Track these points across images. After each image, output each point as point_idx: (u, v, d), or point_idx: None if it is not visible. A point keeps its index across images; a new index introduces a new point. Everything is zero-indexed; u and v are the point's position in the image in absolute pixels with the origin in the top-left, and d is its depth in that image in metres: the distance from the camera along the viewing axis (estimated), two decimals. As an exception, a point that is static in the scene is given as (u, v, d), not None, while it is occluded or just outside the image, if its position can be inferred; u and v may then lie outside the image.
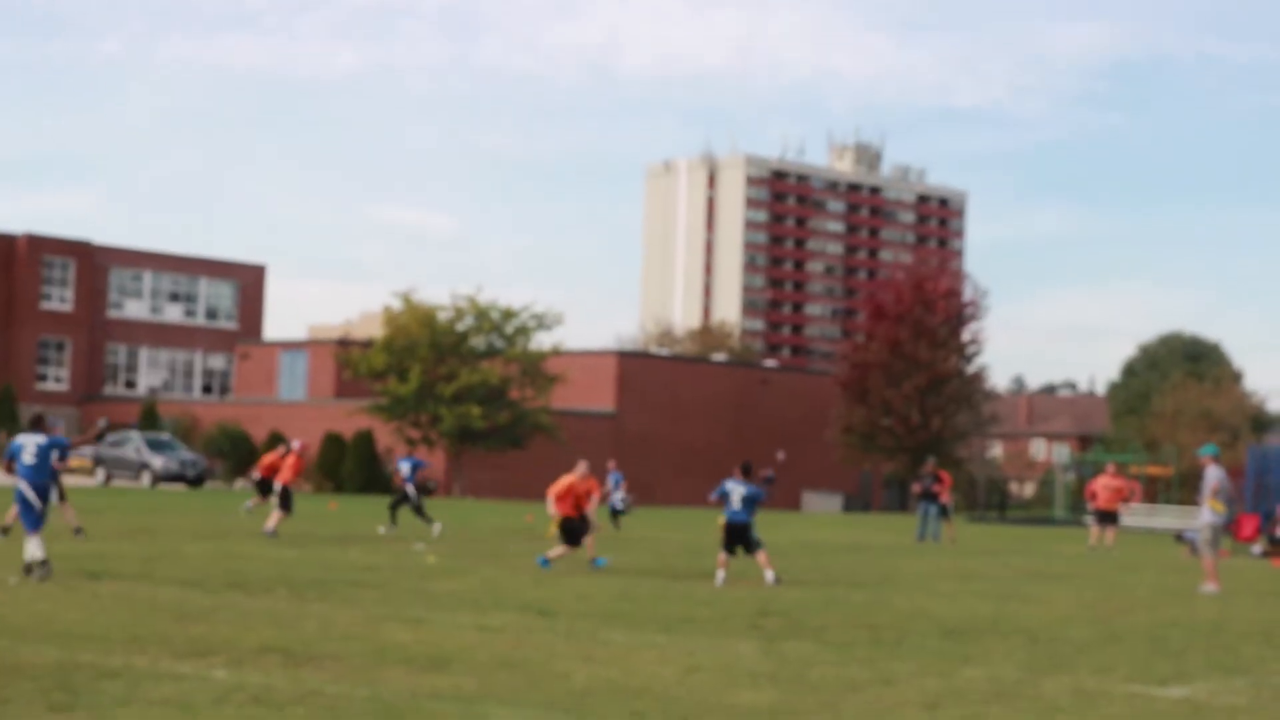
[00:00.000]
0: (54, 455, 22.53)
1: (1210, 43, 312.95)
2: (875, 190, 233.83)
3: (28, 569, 21.82)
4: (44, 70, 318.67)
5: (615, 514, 47.22)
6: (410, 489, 38.54)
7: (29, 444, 22.43)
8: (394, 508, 39.36)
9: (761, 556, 25.92)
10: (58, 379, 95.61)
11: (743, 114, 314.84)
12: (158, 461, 69.41)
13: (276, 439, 75.26)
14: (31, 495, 22.23)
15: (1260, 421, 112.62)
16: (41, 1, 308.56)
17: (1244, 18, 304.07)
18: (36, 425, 23.00)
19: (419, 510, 38.51)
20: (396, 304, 77.73)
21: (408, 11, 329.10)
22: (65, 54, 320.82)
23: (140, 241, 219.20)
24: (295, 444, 37.71)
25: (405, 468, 39.03)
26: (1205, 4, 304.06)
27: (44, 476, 22.45)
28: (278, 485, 35.70)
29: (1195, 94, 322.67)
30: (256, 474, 43.78)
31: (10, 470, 22.56)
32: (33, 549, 21.82)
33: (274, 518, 34.54)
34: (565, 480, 28.38)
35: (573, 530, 27.83)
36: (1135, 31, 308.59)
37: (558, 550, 27.65)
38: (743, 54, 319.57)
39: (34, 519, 22.19)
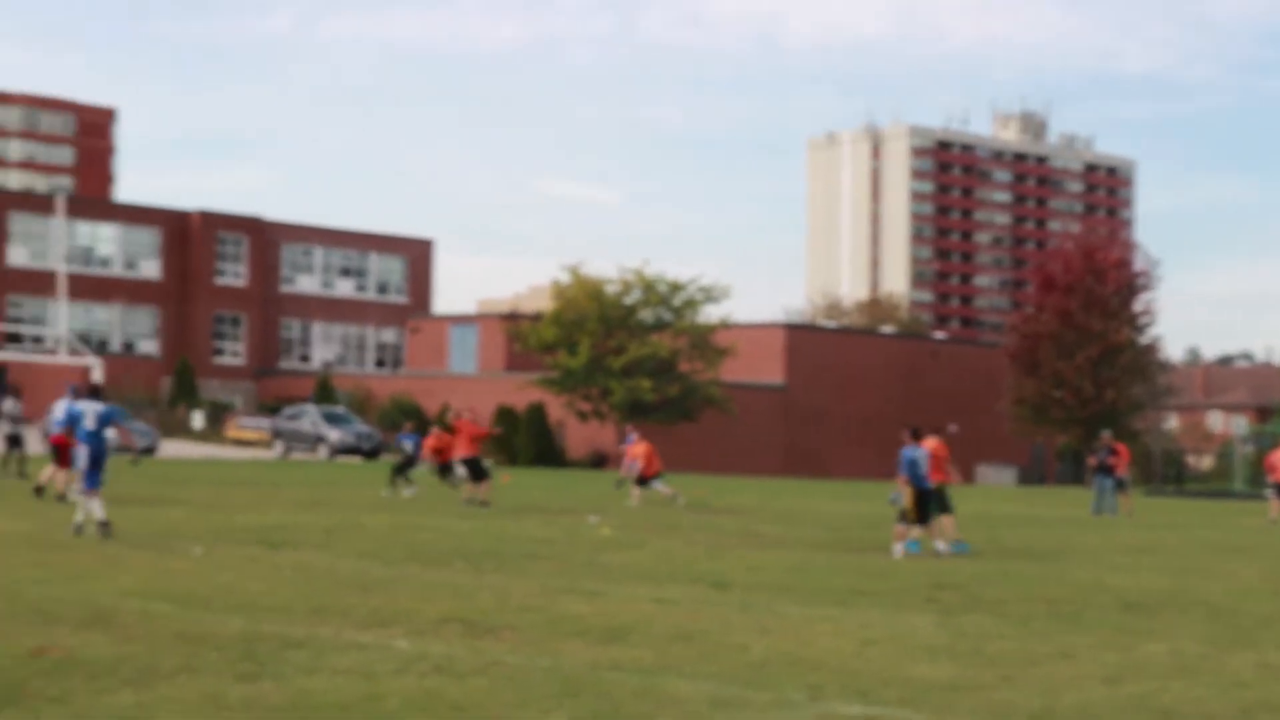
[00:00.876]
0: (111, 422, 23.66)
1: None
2: (1042, 159, 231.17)
3: (78, 529, 23.26)
4: (214, 48, 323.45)
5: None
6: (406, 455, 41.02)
7: (89, 411, 23.52)
8: (398, 471, 41.09)
9: (949, 521, 26.17)
10: (234, 354, 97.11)
11: (906, 84, 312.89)
12: (334, 434, 70.29)
13: (444, 413, 75.96)
14: (87, 458, 23.43)
15: None
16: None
17: None
18: (95, 393, 24.07)
19: (402, 469, 40.65)
20: (565, 277, 78.03)
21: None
22: (233, 31, 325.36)
23: (309, 216, 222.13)
24: (462, 412, 38.12)
25: (408, 445, 41.31)
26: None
27: (102, 442, 23.59)
28: (458, 460, 36.16)
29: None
30: (433, 461, 43.11)
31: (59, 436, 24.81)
32: (96, 510, 23.12)
33: (483, 489, 35.06)
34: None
35: (924, 508, 27.11)
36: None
37: (915, 531, 26.62)
38: (905, 23, 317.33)
39: (94, 480, 23.31)
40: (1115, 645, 15.30)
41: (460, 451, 35.93)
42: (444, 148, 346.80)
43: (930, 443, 27.25)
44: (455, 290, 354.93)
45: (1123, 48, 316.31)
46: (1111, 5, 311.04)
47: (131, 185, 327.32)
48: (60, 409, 30.69)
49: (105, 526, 22.97)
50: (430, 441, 41.84)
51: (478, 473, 35.41)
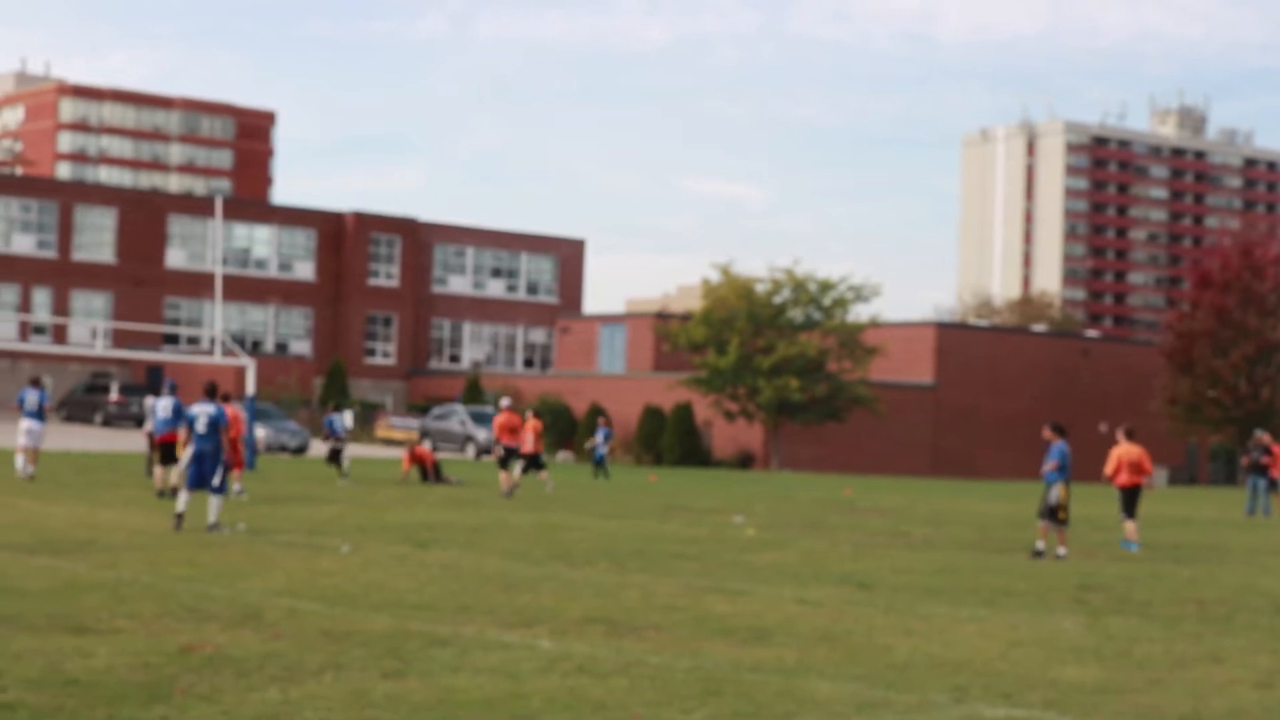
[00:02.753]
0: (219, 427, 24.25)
1: None
2: (1200, 155, 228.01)
3: (179, 519, 24.01)
4: (369, 49, 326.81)
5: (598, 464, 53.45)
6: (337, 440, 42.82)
7: (202, 414, 24.04)
8: (331, 460, 43.04)
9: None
10: (385, 354, 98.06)
11: (1060, 79, 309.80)
12: (481, 434, 70.73)
13: (597, 412, 76.18)
14: (192, 458, 24.10)
15: None
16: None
17: None
18: (211, 395, 24.44)
19: (335, 456, 42.50)
20: (714, 276, 78.05)
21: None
22: (388, 32, 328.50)
23: (462, 217, 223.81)
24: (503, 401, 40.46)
25: (338, 427, 43.15)
26: None
27: (214, 444, 23.96)
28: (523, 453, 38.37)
29: None
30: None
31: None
32: (210, 510, 23.92)
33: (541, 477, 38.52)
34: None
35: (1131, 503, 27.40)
36: None
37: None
38: (1060, 17, 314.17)
39: (197, 479, 23.98)
40: (1267, 649, 15.08)
41: (528, 446, 38.16)
42: (593, 147, 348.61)
43: (1125, 448, 27.35)
44: (604, 289, 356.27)
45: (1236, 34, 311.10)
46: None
47: (289, 187, 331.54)
48: (162, 406, 31.42)
49: (214, 528, 23.52)
50: (501, 420, 40.22)
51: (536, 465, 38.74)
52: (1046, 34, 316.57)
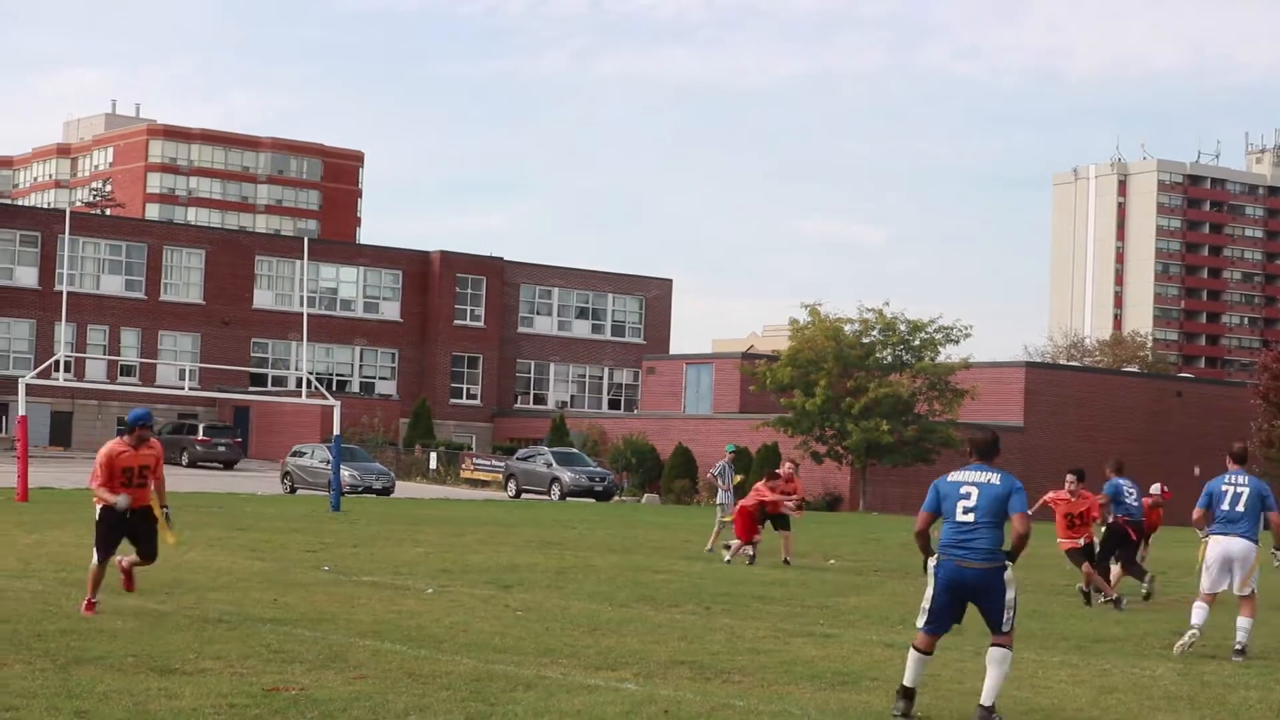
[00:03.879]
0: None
1: None
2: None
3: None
4: (477, 90, 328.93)
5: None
6: None
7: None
8: None
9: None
10: (471, 394, 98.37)
11: (1154, 118, 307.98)
12: (566, 475, 70.70)
13: (684, 452, 75.90)
14: None
15: None
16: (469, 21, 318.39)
17: None
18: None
19: None
20: (803, 316, 77.83)
21: (846, 17, 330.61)
22: (504, 72, 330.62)
23: (557, 256, 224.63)
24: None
25: None
26: None
27: None
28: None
29: None
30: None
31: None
32: None
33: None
34: None
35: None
36: None
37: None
38: (1152, 56, 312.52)
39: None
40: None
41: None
42: (703, 187, 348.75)
43: None
44: (709, 330, 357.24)
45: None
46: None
47: (378, 226, 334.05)
48: None
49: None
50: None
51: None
52: (1140, 72, 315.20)
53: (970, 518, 12.81)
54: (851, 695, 13.76)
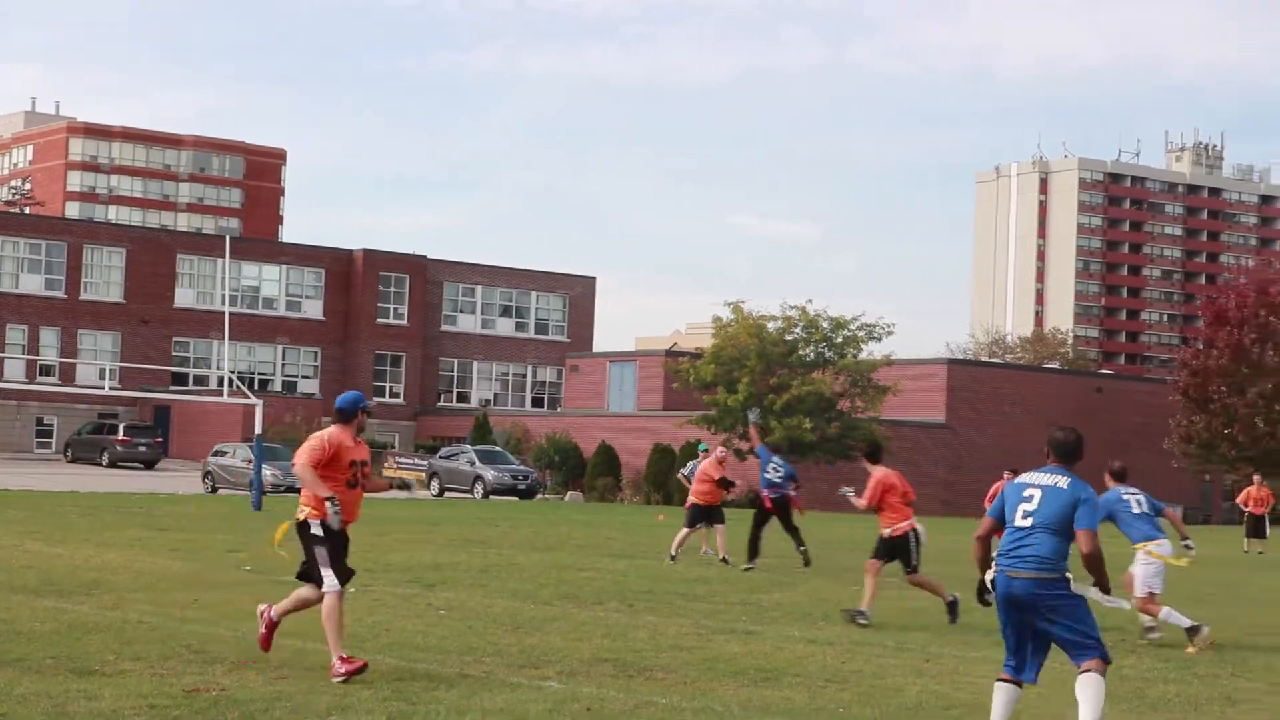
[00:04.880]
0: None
1: None
2: (1215, 192, 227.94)
3: None
4: (422, 88, 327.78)
5: None
6: None
7: None
8: None
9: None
10: (394, 393, 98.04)
11: (1077, 117, 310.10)
12: (489, 473, 70.54)
13: (607, 450, 75.87)
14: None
15: None
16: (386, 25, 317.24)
17: None
18: None
19: None
20: (726, 314, 77.92)
21: (778, 15, 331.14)
22: (423, 70, 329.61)
23: (481, 254, 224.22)
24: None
25: None
26: None
27: None
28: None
29: None
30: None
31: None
32: None
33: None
34: None
35: None
36: None
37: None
38: (1071, 55, 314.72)
39: None
40: (1281, 690, 14.96)
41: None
42: (630, 185, 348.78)
43: None
44: (634, 328, 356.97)
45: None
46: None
47: (301, 225, 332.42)
48: None
49: None
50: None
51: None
52: (1060, 71, 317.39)
53: (1028, 522, 11.47)
54: (774, 692, 13.79)
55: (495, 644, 16.34)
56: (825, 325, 76.96)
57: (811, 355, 77.16)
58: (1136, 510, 18.75)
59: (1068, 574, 11.26)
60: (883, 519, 20.93)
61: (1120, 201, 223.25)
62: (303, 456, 13.89)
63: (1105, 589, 11.41)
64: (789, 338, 76.84)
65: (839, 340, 76.95)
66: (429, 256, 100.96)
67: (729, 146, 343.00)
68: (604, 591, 23.02)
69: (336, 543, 13.97)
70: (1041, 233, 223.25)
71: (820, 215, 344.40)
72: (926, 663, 16.18)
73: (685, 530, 30.95)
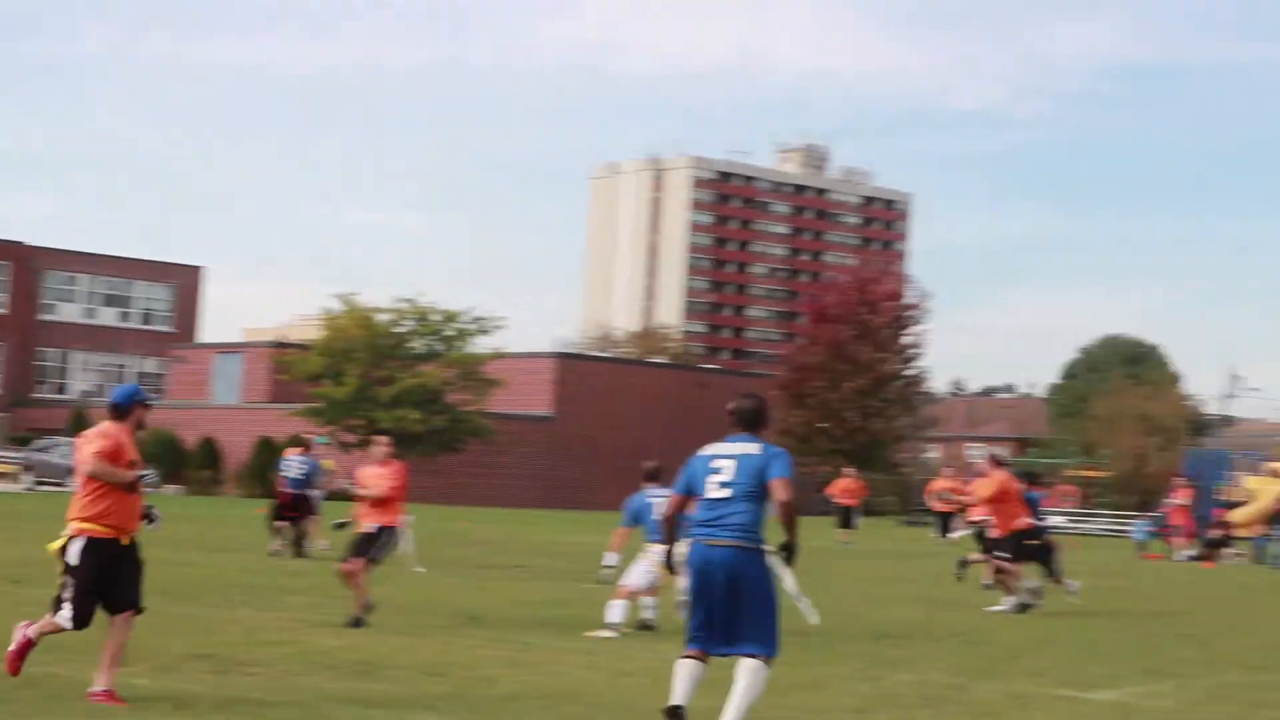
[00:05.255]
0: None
1: (1144, 51, 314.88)
2: (821, 192, 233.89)
3: None
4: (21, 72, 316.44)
5: None
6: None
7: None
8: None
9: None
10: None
11: (688, 116, 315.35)
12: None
13: (209, 443, 74.60)
14: None
15: (1198, 425, 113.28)
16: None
17: (1173, 23, 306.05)
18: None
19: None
20: (335, 306, 77.31)
21: (390, 7, 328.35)
22: (28, 53, 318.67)
23: (87, 243, 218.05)
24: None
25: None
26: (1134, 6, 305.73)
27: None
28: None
29: (1129, 101, 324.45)
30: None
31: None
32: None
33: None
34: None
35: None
36: (1072, 35, 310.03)
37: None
38: (688, 56, 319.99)
39: None
40: (866, 676, 15.40)
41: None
42: (240, 174, 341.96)
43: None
44: (228, 319, 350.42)
45: (908, 83, 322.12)
46: (897, 41, 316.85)
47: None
48: None
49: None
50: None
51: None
52: (676, 71, 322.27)
53: (727, 493, 11.14)
54: (370, 685, 13.70)
55: (84, 640, 15.86)
56: (436, 318, 76.98)
57: (421, 348, 77.11)
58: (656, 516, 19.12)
59: (765, 545, 11.07)
60: None
61: (730, 200, 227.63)
62: (93, 448, 12.44)
63: (793, 550, 11.19)
64: (398, 330, 76.66)
65: (450, 333, 77.06)
66: (29, 244, 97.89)
67: (341, 138, 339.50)
68: (200, 586, 22.62)
69: (89, 574, 12.47)
70: (654, 229, 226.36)
71: (433, 208, 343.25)
72: (522, 653, 16.26)
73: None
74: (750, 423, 11.51)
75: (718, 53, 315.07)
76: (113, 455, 12.48)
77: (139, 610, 12.80)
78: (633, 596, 18.95)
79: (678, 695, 11.22)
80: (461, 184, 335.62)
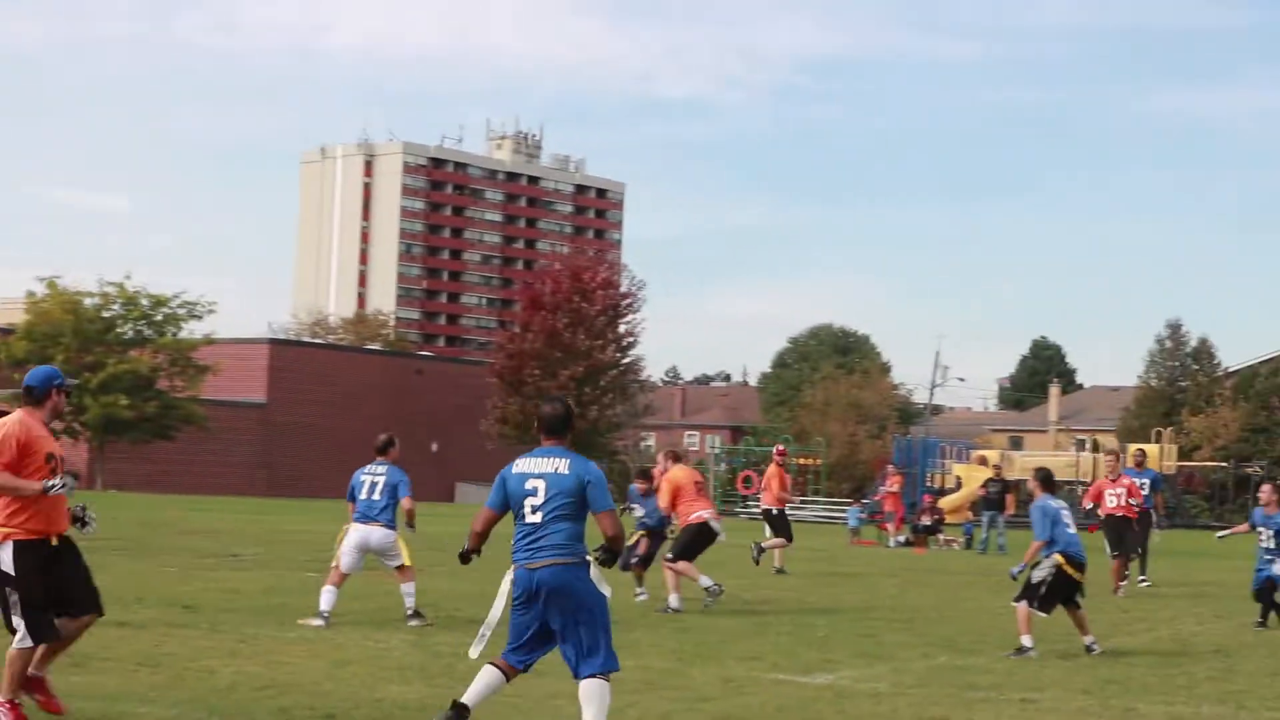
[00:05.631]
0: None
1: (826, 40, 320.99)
2: (534, 180, 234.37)
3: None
4: None
5: None
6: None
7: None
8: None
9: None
10: None
11: (400, 101, 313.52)
12: None
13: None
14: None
15: (907, 413, 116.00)
16: None
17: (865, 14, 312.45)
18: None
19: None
20: (40, 289, 75.51)
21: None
22: None
23: None
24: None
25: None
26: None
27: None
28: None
29: (828, 94, 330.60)
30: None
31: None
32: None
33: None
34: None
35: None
36: (779, 27, 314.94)
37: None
38: (399, 40, 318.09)
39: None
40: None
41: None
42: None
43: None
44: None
45: (619, 71, 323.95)
46: (611, 30, 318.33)
47: None
48: None
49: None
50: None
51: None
52: (389, 55, 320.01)
53: (538, 517, 10.80)
54: (82, 677, 13.43)
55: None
56: (145, 303, 75.66)
57: (130, 333, 75.71)
58: (364, 495, 19.03)
59: (587, 556, 10.78)
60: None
61: (443, 186, 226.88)
62: None
63: (622, 563, 10.93)
64: (106, 315, 75.18)
65: (159, 318, 75.81)
66: None
67: (42, 114, 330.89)
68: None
69: (29, 581, 11.04)
70: (366, 215, 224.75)
71: (138, 190, 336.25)
72: (241, 644, 16.08)
73: None
74: (557, 429, 11.12)
75: (429, 38, 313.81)
76: (20, 455, 10.98)
77: (101, 613, 11.83)
78: (343, 580, 18.81)
79: (469, 696, 10.94)
80: (169, 165, 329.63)
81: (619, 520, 10.90)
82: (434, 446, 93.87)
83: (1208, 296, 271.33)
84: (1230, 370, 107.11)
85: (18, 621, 10.96)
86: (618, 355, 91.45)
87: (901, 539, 47.16)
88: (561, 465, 10.78)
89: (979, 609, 23.14)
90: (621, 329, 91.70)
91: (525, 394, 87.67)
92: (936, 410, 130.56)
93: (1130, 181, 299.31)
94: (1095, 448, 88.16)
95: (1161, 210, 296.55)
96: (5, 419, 11.09)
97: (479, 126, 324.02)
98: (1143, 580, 28.59)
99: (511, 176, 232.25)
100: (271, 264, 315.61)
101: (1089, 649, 17.46)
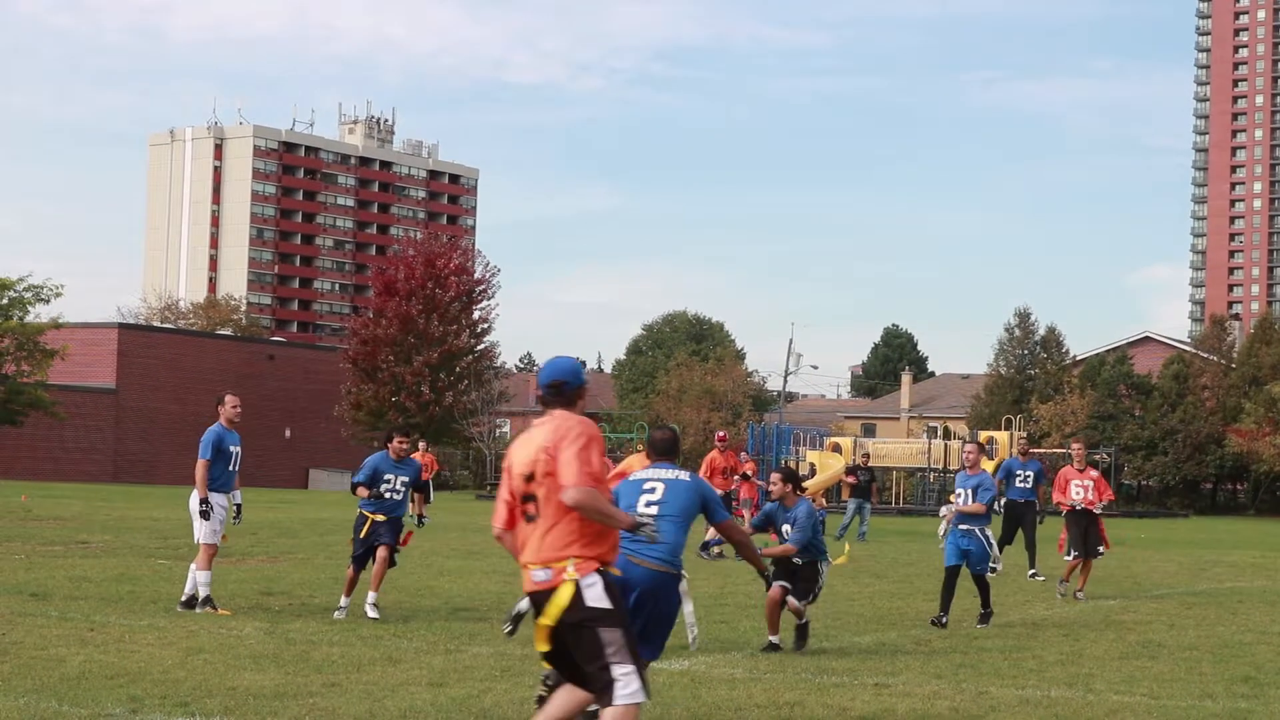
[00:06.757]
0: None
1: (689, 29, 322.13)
2: (386, 165, 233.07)
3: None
4: None
5: None
6: None
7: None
8: None
9: None
10: None
11: (254, 83, 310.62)
12: None
13: None
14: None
15: (760, 401, 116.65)
16: None
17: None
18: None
19: None
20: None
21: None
22: None
23: None
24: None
25: None
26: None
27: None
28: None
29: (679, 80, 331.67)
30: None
31: None
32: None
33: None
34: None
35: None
36: (631, 15, 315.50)
37: None
38: (248, 22, 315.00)
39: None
40: (441, 649, 15.46)
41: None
42: None
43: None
44: None
45: (472, 57, 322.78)
46: (465, 15, 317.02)
47: None
48: None
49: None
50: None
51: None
52: (239, 37, 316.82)
53: (654, 510, 11.51)
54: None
55: None
56: (-11, 286, 74.54)
57: (-25, 318, 74.55)
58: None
59: (684, 573, 11.26)
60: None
61: (295, 171, 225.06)
62: None
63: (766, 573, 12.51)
64: (-49, 299, 73.99)
65: (4, 301, 74.69)
66: None
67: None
68: None
69: None
70: (216, 199, 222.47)
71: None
72: (91, 632, 15.88)
73: None
74: (668, 452, 12.17)
75: (279, 20, 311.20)
76: None
77: None
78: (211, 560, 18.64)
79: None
80: (14, 147, 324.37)
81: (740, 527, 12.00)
82: (287, 433, 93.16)
83: (1055, 285, 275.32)
84: (1078, 358, 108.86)
85: None
86: (472, 341, 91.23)
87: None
88: (683, 474, 11.89)
89: (833, 594, 23.31)
90: (476, 315, 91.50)
91: (379, 380, 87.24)
92: (790, 398, 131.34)
93: (978, 171, 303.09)
94: (946, 434, 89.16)
95: (1009, 200, 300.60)
96: None
97: (331, 111, 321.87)
98: (1032, 573, 27.83)
99: (364, 161, 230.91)
100: (120, 248, 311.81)
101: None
